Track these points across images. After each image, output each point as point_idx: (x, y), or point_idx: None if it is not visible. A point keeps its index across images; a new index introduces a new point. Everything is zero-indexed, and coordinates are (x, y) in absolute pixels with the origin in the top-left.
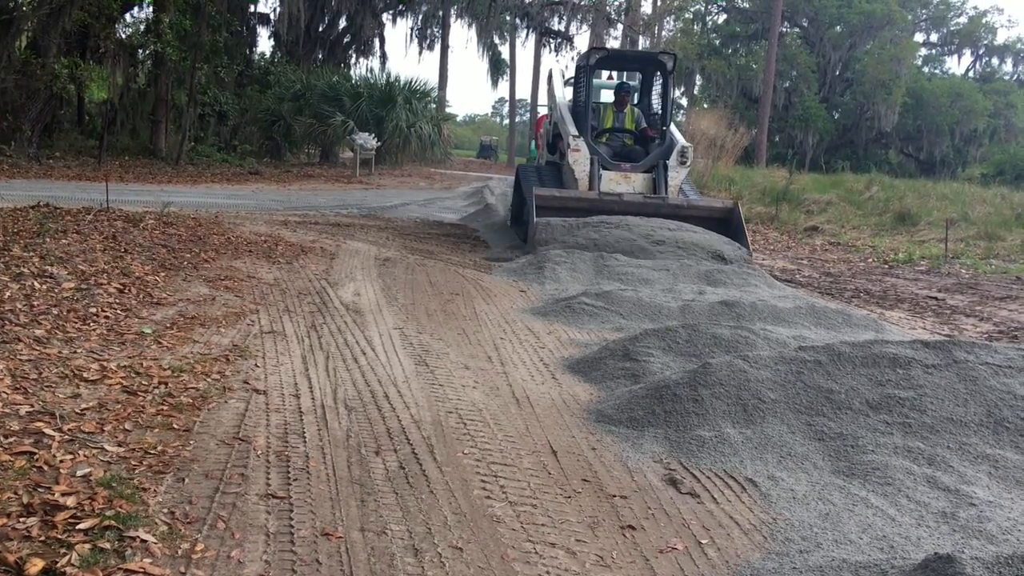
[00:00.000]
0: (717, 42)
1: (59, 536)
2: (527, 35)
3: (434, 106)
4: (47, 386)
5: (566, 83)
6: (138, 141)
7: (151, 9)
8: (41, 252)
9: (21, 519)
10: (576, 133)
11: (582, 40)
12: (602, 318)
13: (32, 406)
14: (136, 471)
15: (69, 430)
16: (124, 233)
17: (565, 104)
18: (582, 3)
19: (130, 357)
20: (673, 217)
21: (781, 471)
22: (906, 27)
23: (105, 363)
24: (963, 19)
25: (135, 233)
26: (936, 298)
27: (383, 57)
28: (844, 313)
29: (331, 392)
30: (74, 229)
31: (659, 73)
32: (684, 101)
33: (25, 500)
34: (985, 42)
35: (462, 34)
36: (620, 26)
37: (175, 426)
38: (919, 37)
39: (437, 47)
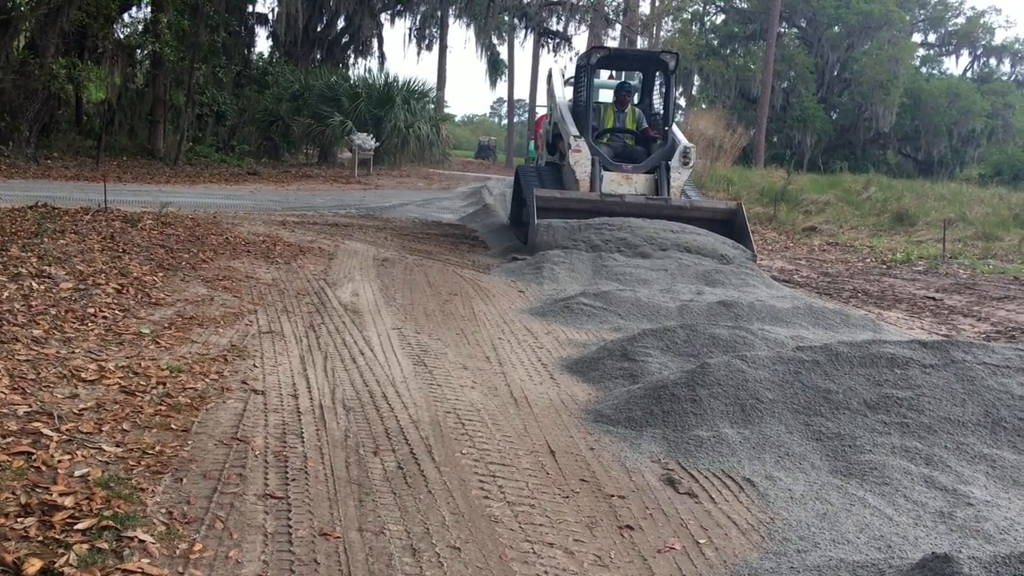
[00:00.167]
0: (715, 42)
1: (57, 536)
2: (525, 35)
3: (432, 106)
4: (45, 386)
5: (566, 83)
6: (136, 141)
7: (149, 9)
8: (39, 252)
9: (19, 519)
10: (577, 133)
11: (580, 40)
12: (600, 318)
13: (30, 406)
14: (134, 471)
15: (67, 430)
16: (122, 233)
17: (565, 104)
18: (580, 3)
19: (128, 357)
20: (676, 219)
21: (779, 471)
22: (904, 27)
23: (103, 363)
24: (961, 19)
25: (133, 233)
26: (934, 298)
27: (381, 57)
28: (842, 313)
29: (329, 392)
30: (72, 229)
31: (661, 73)
32: (682, 101)
33: (23, 500)
34: (983, 42)
35: (460, 34)
36: (618, 26)
37: (173, 426)
38: (917, 37)
39: (435, 47)
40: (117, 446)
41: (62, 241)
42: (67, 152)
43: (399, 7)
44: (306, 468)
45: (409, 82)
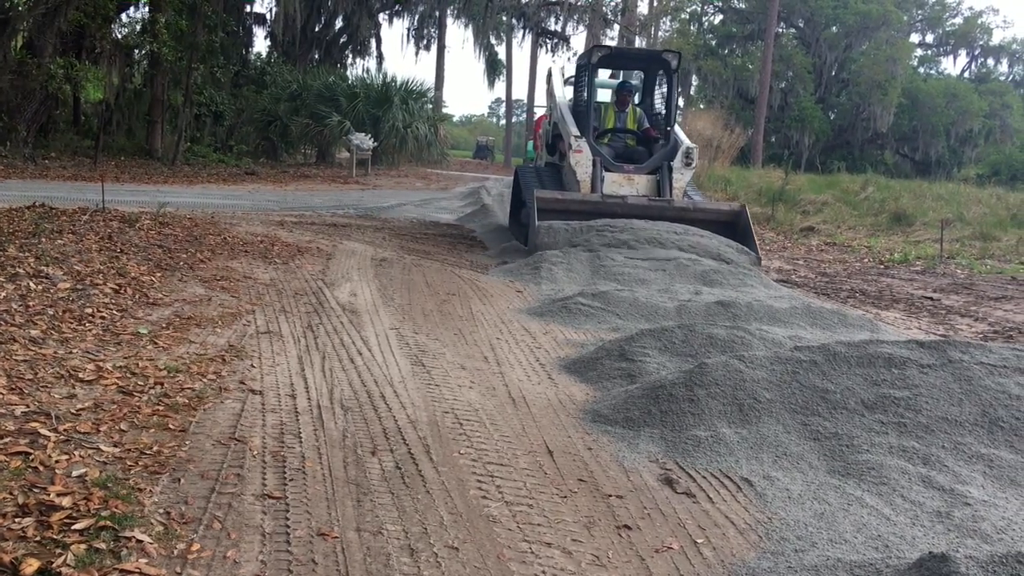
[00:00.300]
0: (713, 43)
1: (55, 536)
2: (524, 35)
3: (430, 106)
4: (43, 386)
5: (566, 82)
6: (134, 141)
7: (147, 9)
8: (37, 252)
9: (17, 519)
10: (578, 133)
11: (578, 40)
12: (598, 318)
13: (28, 406)
14: (132, 471)
15: (65, 430)
16: (120, 233)
17: (565, 104)
18: (578, 3)
19: (126, 357)
20: (679, 220)
21: (776, 471)
22: (902, 28)
23: (101, 363)
24: (959, 20)
25: (131, 233)
26: (931, 298)
27: (379, 57)
28: (840, 313)
29: (327, 392)
30: (70, 229)
31: (663, 72)
32: (680, 102)
33: (21, 500)
34: (981, 43)
35: (458, 34)
36: (616, 27)
37: (171, 426)
38: (915, 38)
39: (433, 47)
40: (115, 446)
41: (60, 241)
42: (65, 152)
43: (397, 7)
44: (304, 468)
45: (407, 82)
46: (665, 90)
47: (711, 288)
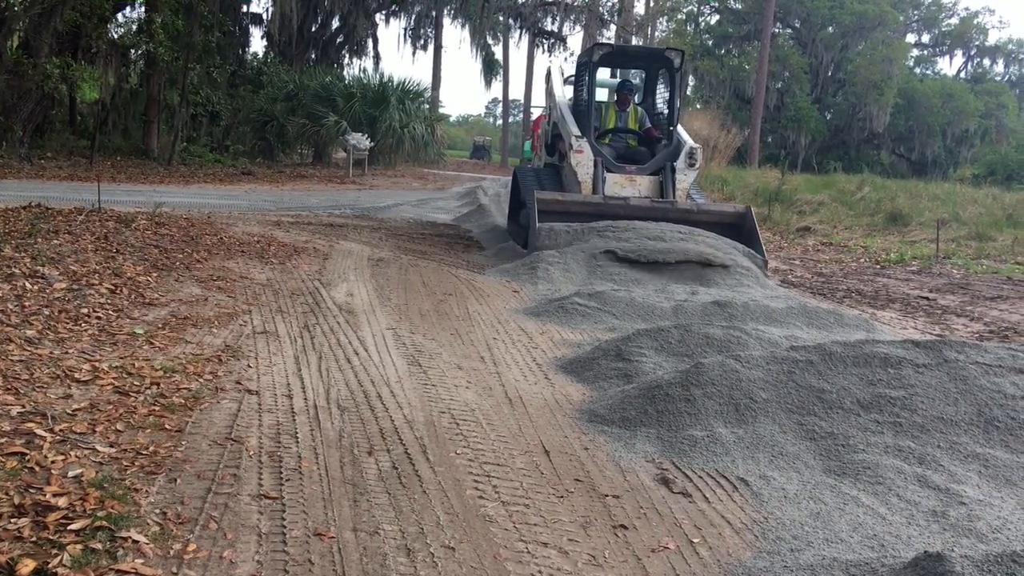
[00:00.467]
0: (710, 43)
1: (51, 537)
2: (520, 36)
3: (427, 106)
4: (38, 387)
5: (566, 81)
6: (130, 141)
7: (143, 9)
8: (32, 253)
9: (12, 520)
10: (579, 133)
11: (575, 41)
12: (595, 318)
13: (23, 407)
14: (128, 472)
15: (60, 431)
16: (116, 234)
17: (565, 103)
18: (575, 4)
19: (122, 358)
20: (682, 223)
21: (773, 470)
22: (898, 28)
23: (97, 364)
24: (955, 20)
25: (127, 234)
26: (927, 298)
27: (376, 57)
28: (836, 313)
29: (324, 392)
30: (66, 230)
31: (665, 71)
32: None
33: (16, 501)
34: (976, 43)
35: (455, 34)
36: (613, 27)
37: (167, 427)
38: (911, 38)
39: (430, 47)
40: (111, 446)
41: (56, 241)
42: (61, 152)
43: (394, 7)
44: (300, 468)
45: (404, 82)
46: (668, 89)
47: (707, 288)
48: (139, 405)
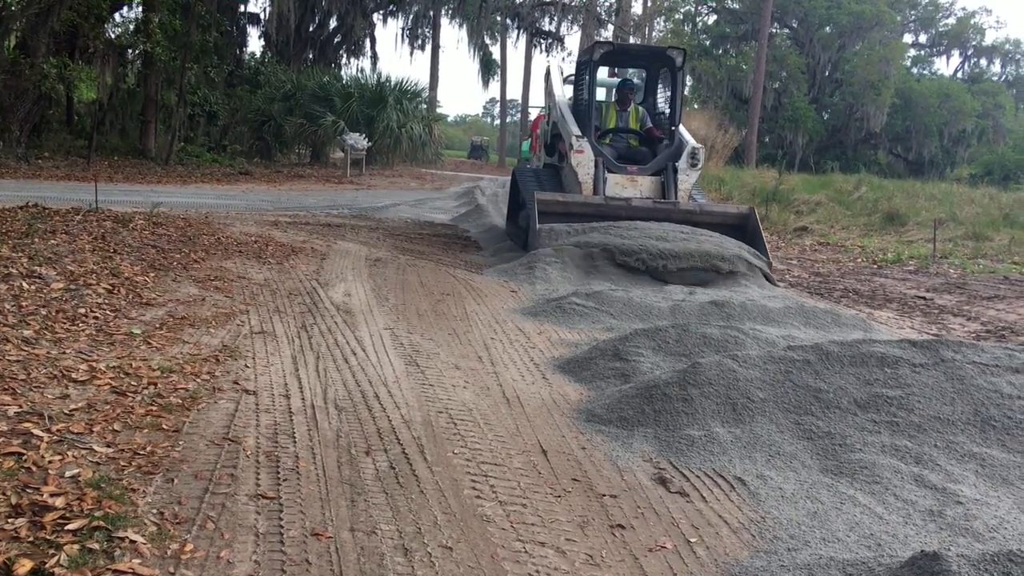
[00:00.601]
0: (707, 43)
1: (48, 537)
2: (518, 36)
3: (425, 106)
4: (36, 387)
5: (565, 80)
6: (127, 141)
7: (140, 9)
8: (29, 253)
9: (9, 520)
10: (579, 133)
11: (573, 41)
12: (592, 318)
13: (20, 407)
14: (125, 472)
15: (58, 431)
16: (113, 234)
17: (565, 103)
18: (572, 3)
19: (119, 358)
20: (685, 223)
21: (770, 470)
22: (895, 28)
23: (94, 364)
24: (952, 20)
25: (124, 234)
26: (924, 298)
27: (374, 57)
28: (833, 313)
29: (321, 392)
30: (63, 229)
31: (667, 70)
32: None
33: (13, 501)
34: (974, 43)
35: (453, 34)
36: (611, 27)
37: (164, 427)
38: (908, 38)
39: (428, 47)
40: (108, 446)
41: (53, 241)
42: (58, 152)
43: (391, 7)
44: (298, 468)
45: (401, 82)
46: (669, 89)
47: (705, 288)
48: (136, 405)
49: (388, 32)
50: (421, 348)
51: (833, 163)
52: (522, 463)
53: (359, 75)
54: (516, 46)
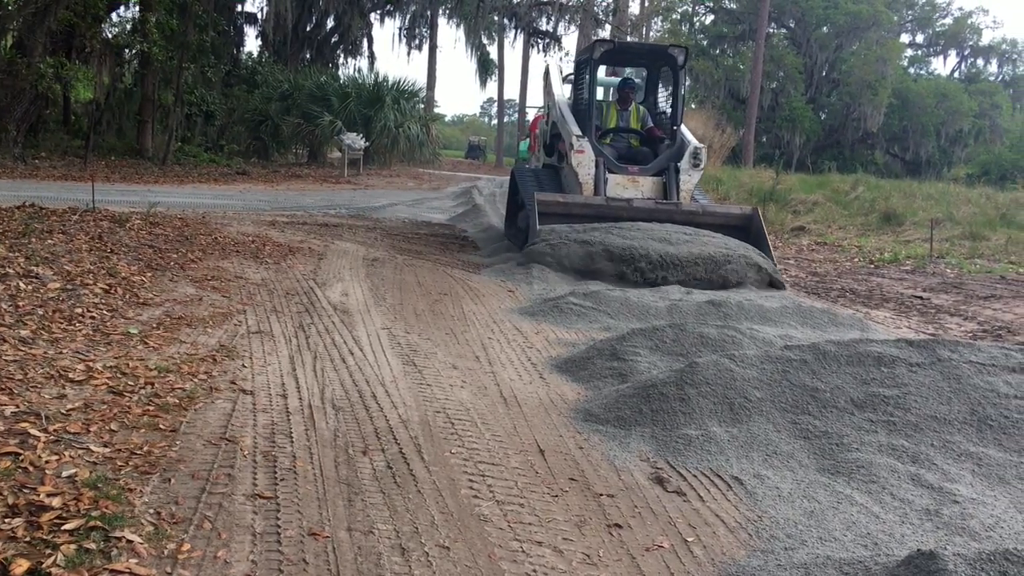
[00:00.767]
0: (704, 43)
1: (44, 537)
2: (515, 35)
3: (422, 106)
4: (32, 386)
5: (565, 80)
6: (124, 141)
7: (137, 8)
8: (26, 252)
9: (6, 520)
10: (579, 133)
11: (570, 40)
12: (590, 318)
13: (17, 406)
14: (122, 471)
15: (55, 431)
16: (110, 233)
17: (565, 102)
18: (570, 3)
19: (116, 357)
20: (687, 224)
21: (767, 469)
22: (892, 28)
23: (91, 363)
24: (948, 20)
25: (121, 233)
26: (921, 297)
27: (371, 57)
28: (830, 312)
29: (319, 392)
30: (60, 229)
31: (669, 69)
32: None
33: (10, 501)
34: (970, 43)
35: (450, 34)
36: (608, 27)
37: (161, 426)
38: (905, 38)
39: (425, 47)
40: (105, 446)
41: (50, 241)
42: (55, 152)
43: (389, 7)
44: (295, 468)
45: (399, 82)
46: (670, 88)
47: (702, 287)
48: (133, 405)
49: (385, 32)
50: (418, 348)
51: (830, 163)
52: (519, 463)
53: (356, 75)
54: (513, 46)
